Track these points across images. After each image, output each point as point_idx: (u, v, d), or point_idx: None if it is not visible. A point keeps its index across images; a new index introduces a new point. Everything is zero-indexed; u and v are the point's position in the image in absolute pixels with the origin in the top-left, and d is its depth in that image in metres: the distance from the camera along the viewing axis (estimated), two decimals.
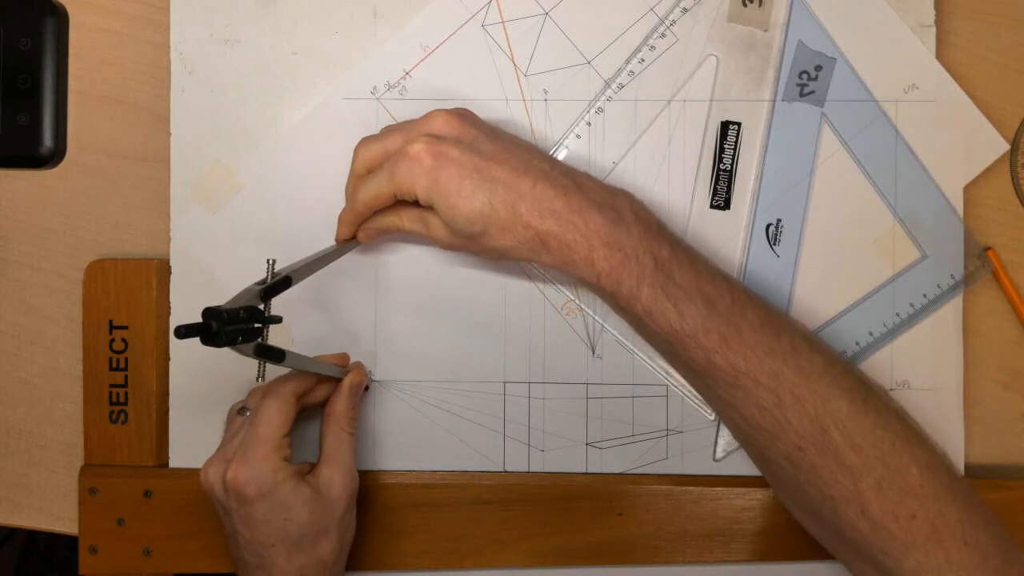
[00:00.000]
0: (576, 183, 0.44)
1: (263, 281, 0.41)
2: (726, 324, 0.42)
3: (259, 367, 0.43)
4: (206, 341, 0.37)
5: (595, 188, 0.44)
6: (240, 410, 0.48)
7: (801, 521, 0.47)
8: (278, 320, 0.42)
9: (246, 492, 0.43)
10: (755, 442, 0.44)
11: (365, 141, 0.46)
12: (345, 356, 0.51)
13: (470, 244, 0.44)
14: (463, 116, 0.45)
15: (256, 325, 0.40)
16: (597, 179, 0.46)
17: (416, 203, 0.44)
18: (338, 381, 0.48)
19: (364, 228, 0.47)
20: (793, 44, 0.51)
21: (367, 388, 0.51)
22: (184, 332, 0.37)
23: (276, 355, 0.41)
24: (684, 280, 0.43)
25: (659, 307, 0.42)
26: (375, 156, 0.45)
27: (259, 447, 0.44)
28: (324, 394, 0.48)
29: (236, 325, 0.38)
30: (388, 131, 0.47)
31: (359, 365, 0.51)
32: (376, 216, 0.47)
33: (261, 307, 0.41)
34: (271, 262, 0.42)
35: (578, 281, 0.44)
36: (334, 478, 0.46)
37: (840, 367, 0.43)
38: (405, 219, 0.46)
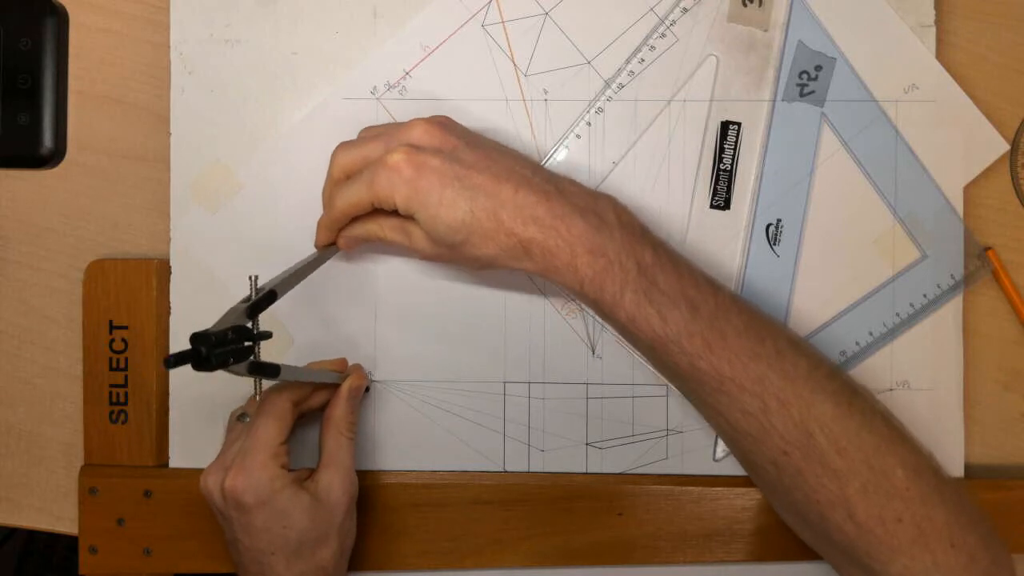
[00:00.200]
0: (558, 188, 0.43)
1: (248, 298, 0.41)
2: (710, 329, 0.42)
3: (255, 384, 0.43)
4: (198, 367, 0.37)
5: (577, 193, 0.44)
6: (240, 416, 0.48)
7: (789, 524, 0.47)
8: (268, 336, 0.42)
9: (244, 500, 0.43)
10: (741, 446, 0.44)
11: (343, 146, 0.46)
12: (343, 361, 0.51)
13: (452, 253, 0.44)
14: (443, 124, 0.44)
15: (246, 343, 0.40)
16: (580, 184, 0.45)
17: (396, 212, 0.44)
18: (337, 386, 0.48)
19: (344, 236, 0.47)
20: (793, 44, 0.51)
21: (367, 390, 0.51)
22: (174, 361, 0.36)
23: (271, 371, 0.41)
24: (667, 285, 0.42)
25: (642, 313, 0.42)
26: (354, 162, 0.45)
27: (257, 455, 0.43)
28: (323, 399, 0.48)
29: (225, 347, 0.38)
30: (367, 137, 0.46)
31: (358, 368, 0.51)
32: (356, 223, 0.47)
33: (249, 325, 0.40)
34: (254, 278, 0.41)
35: (562, 287, 0.44)
36: (333, 483, 0.46)
37: (825, 370, 0.43)
38: (386, 229, 0.46)
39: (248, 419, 0.47)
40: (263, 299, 0.41)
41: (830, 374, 0.43)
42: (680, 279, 0.43)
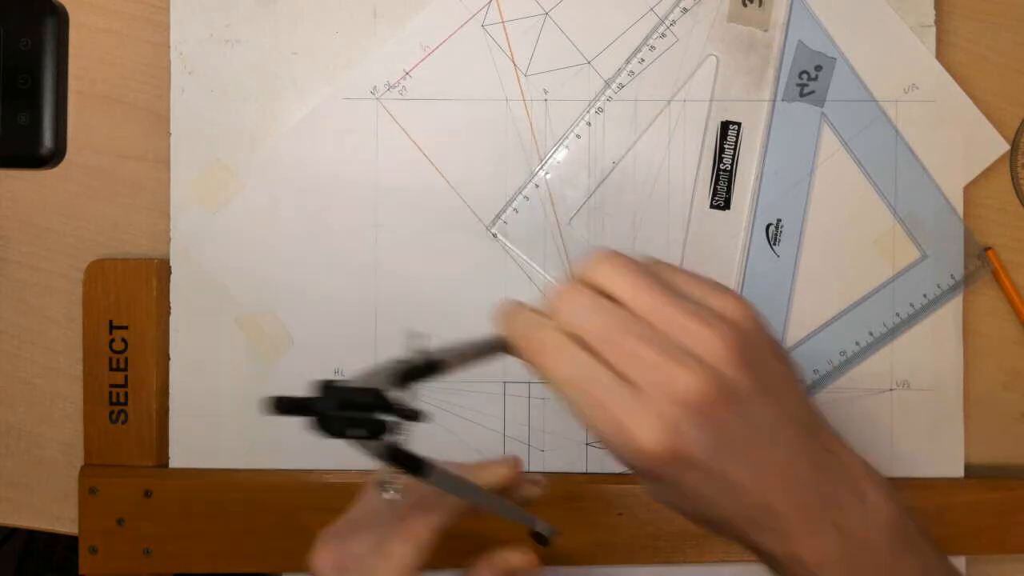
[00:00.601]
0: (822, 495, 0.32)
1: (405, 361, 0.32)
2: None
3: (384, 478, 0.34)
4: (322, 427, 0.30)
5: (848, 498, 0.33)
6: (383, 486, 0.36)
7: None
8: (414, 416, 0.32)
9: None
10: None
11: (597, 311, 0.32)
12: (516, 464, 0.40)
13: None
14: (725, 391, 0.30)
15: (382, 416, 0.31)
16: (852, 461, 0.33)
17: None
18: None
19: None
20: (793, 44, 0.51)
21: (546, 541, 0.41)
22: (277, 404, 0.29)
23: (414, 467, 0.32)
24: None
25: None
26: (599, 348, 0.31)
27: None
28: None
29: (355, 412, 0.30)
30: (625, 332, 0.31)
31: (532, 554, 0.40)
32: None
33: (395, 394, 0.31)
34: (415, 336, 0.32)
35: None
36: None
37: None
38: None
39: (393, 494, 0.36)
40: (427, 367, 0.32)
41: None
42: None
